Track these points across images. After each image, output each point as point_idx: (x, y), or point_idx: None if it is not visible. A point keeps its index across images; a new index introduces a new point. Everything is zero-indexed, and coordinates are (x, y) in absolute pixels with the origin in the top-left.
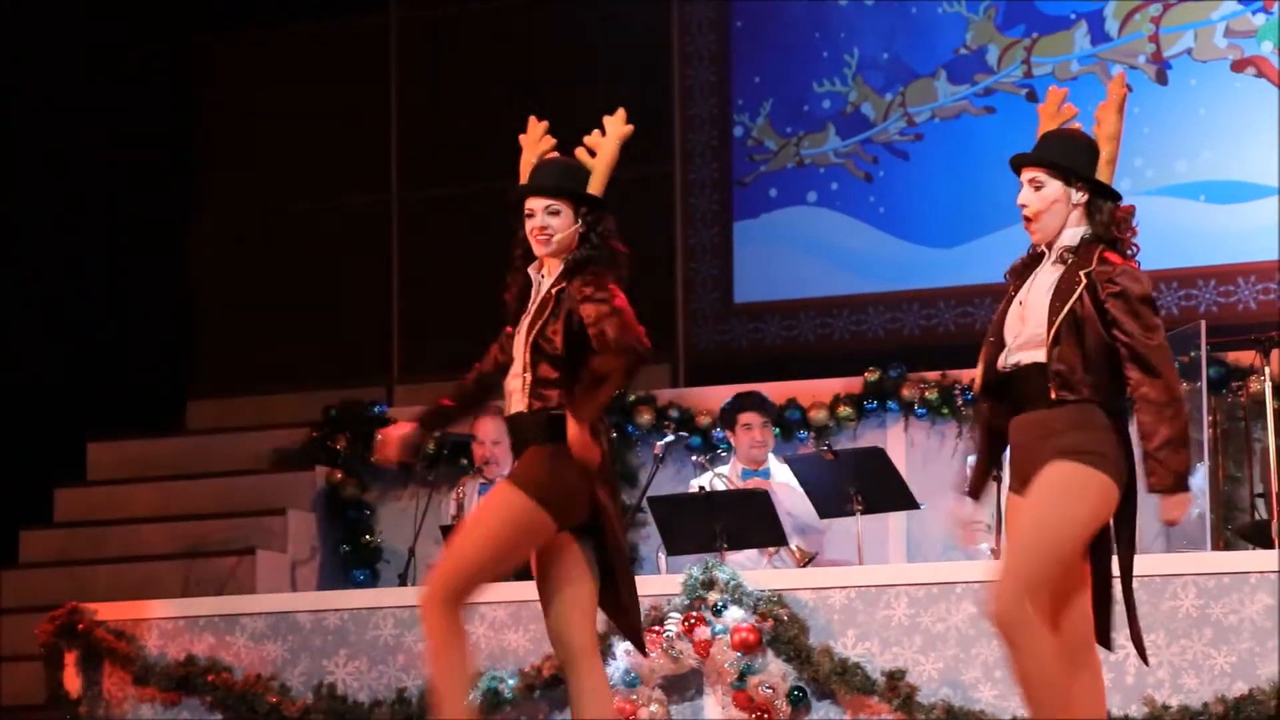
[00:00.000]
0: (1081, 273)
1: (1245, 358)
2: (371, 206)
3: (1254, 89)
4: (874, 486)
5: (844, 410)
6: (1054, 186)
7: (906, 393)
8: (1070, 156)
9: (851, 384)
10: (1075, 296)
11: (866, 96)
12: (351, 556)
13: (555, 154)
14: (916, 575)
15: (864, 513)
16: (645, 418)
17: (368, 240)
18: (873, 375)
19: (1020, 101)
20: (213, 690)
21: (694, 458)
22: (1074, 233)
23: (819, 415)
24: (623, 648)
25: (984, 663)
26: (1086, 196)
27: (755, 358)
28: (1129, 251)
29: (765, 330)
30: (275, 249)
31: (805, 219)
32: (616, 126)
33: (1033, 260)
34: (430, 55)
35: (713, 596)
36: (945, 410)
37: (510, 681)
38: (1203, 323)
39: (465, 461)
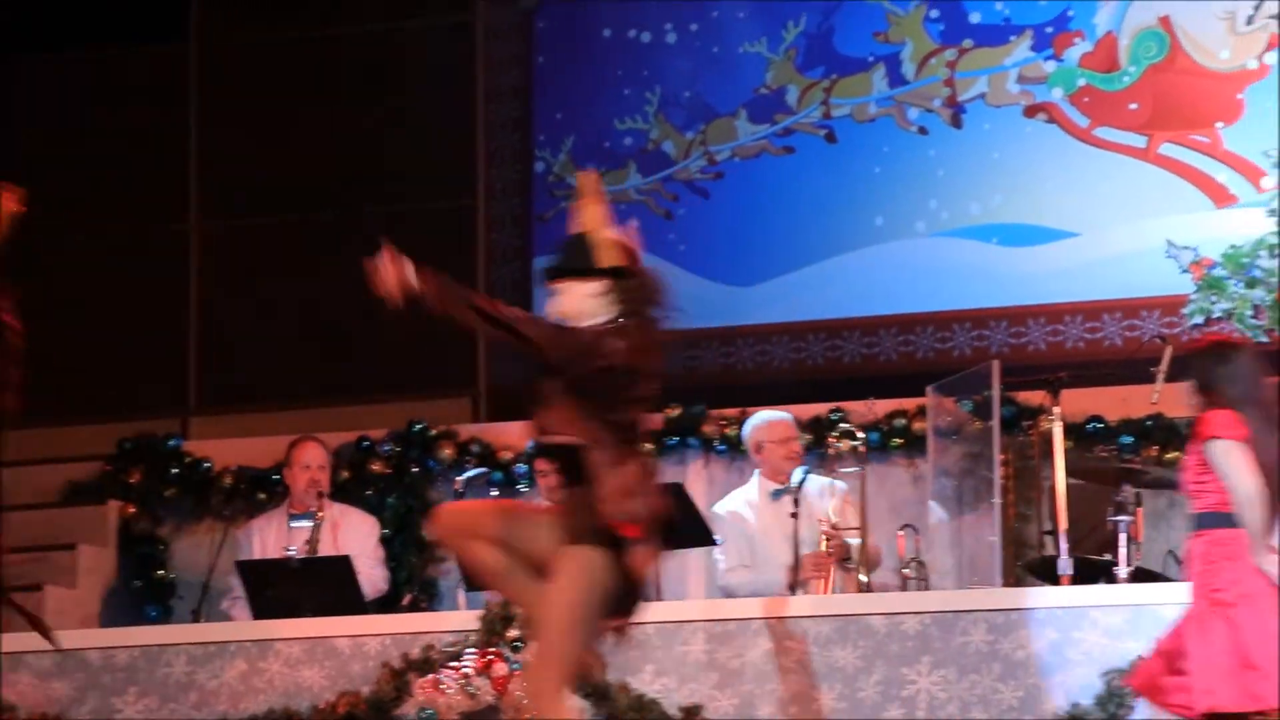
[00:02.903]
0: None
1: (1036, 398)
2: (170, 235)
3: (1046, 134)
4: (674, 522)
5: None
6: (576, 288)
7: (707, 429)
8: (577, 259)
9: (652, 420)
10: None
11: (668, 134)
12: (144, 592)
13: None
14: (714, 611)
15: (664, 549)
16: (446, 452)
17: (166, 269)
18: (674, 411)
19: (820, 142)
20: None
21: (494, 493)
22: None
23: None
24: (417, 683)
25: (779, 699)
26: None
27: None
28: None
29: None
30: (70, 276)
31: None
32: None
33: None
34: (232, 83)
35: (511, 632)
36: (744, 448)
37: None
38: (996, 363)
39: (263, 496)
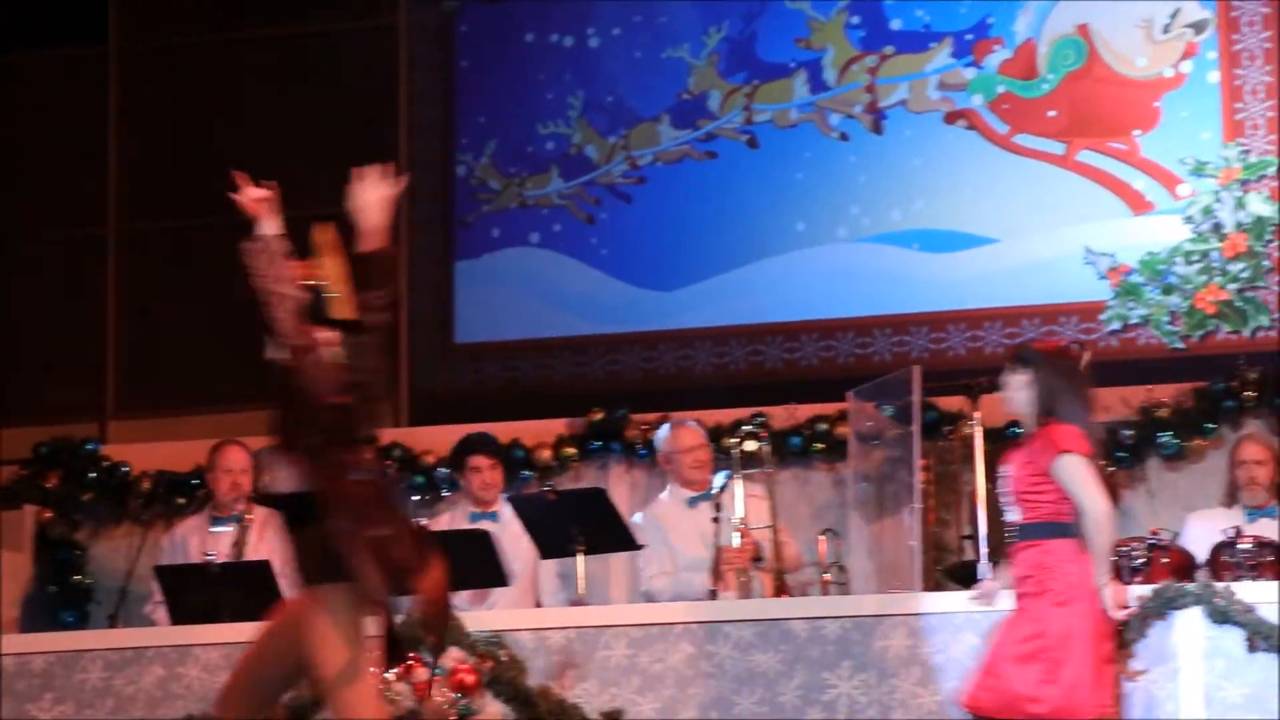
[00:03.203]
0: None
1: (956, 403)
2: (88, 238)
3: (966, 141)
4: (596, 527)
5: (567, 451)
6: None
7: (629, 434)
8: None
9: (575, 425)
10: None
11: (590, 139)
12: (60, 597)
13: None
14: (636, 616)
15: (586, 553)
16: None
17: (85, 272)
18: (596, 416)
19: (741, 147)
20: None
21: (415, 497)
22: None
23: (542, 455)
24: None
25: (700, 703)
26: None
27: (477, 398)
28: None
29: (486, 370)
30: None
31: (527, 260)
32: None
33: None
34: (151, 86)
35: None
36: None
37: None
38: (916, 368)
39: (182, 500)
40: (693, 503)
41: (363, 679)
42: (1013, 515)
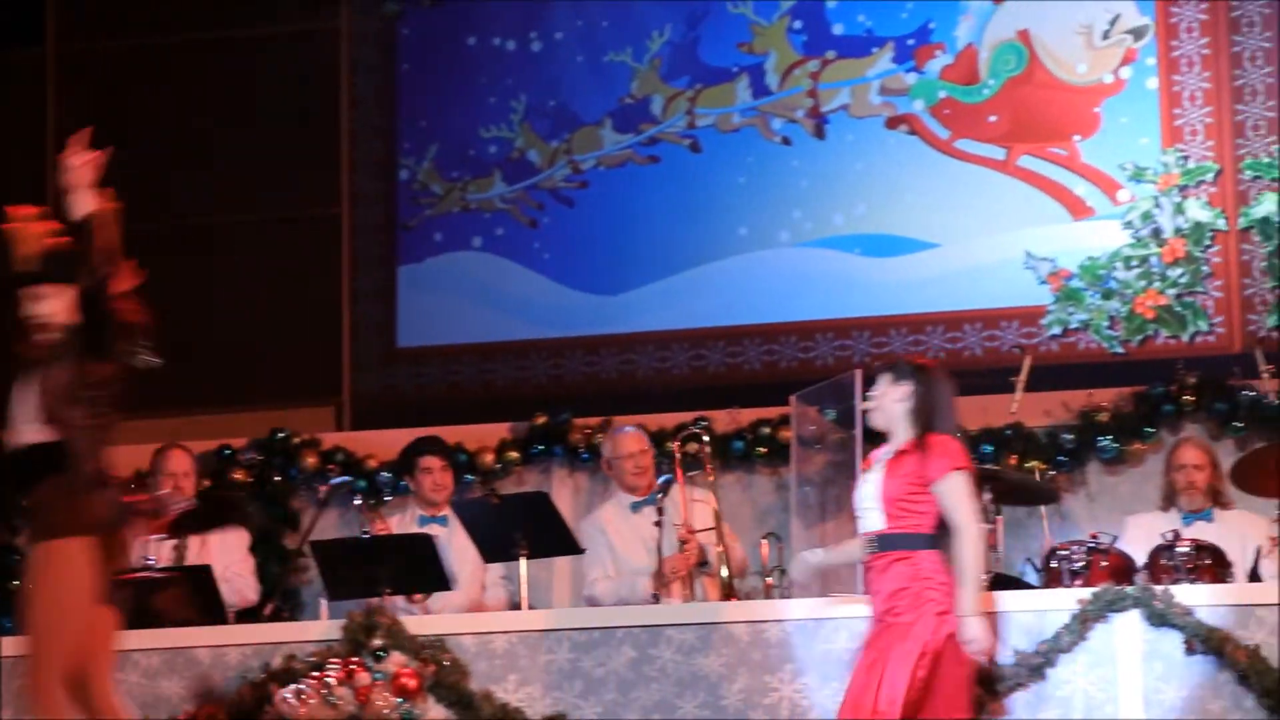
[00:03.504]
0: None
1: None
2: None
3: (907, 146)
4: (538, 531)
5: (509, 455)
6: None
7: (572, 438)
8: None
9: (518, 429)
10: None
11: (533, 143)
12: None
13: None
14: (579, 620)
15: (528, 557)
16: (309, 461)
17: None
18: (539, 420)
19: (684, 151)
20: None
21: (357, 501)
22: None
23: (485, 459)
24: (280, 694)
25: (642, 706)
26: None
27: (419, 402)
28: None
29: (428, 375)
30: None
31: (470, 264)
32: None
33: None
34: (91, 90)
35: (374, 642)
36: None
37: None
38: (858, 372)
39: None
40: (635, 508)
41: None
42: (872, 524)
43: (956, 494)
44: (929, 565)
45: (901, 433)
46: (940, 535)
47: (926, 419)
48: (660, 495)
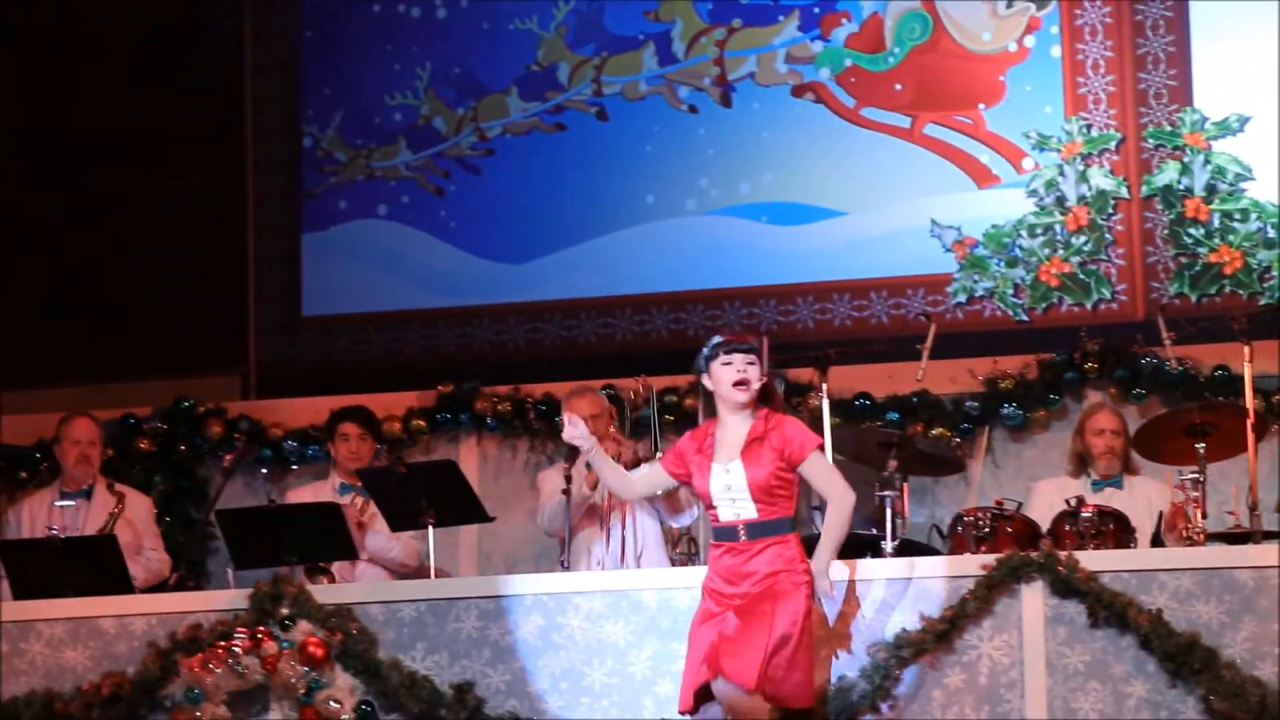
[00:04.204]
0: None
1: (804, 374)
2: None
3: (813, 114)
4: (446, 499)
5: (417, 423)
6: None
7: (479, 406)
8: None
9: (425, 397)
10: None
11: (438, 110)
12: None
13: None
14: (486, 588)
15: (436, 525)
16: (214, 430)
17: None
18: (446, 389)
19: (590, 119)
20: None
21: (264, 470)
22: None
23: (392, 428)
24: (184, 663)
25: (550, 674)
26: None
27: (326, 371)
28: None
29: (334, 344)
30: None
31: (376, 232)
32: None
33: None
34: None
35: (282, 610)
36: (517, 424)
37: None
38: (764, 340)
39: (24, 474)
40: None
41: None
42: (742, 514)
43: (824, 469)
44: (794, 546)
45: (746, 413)
46: (797, 517)
47: (775, 396)
48: (566, 465)
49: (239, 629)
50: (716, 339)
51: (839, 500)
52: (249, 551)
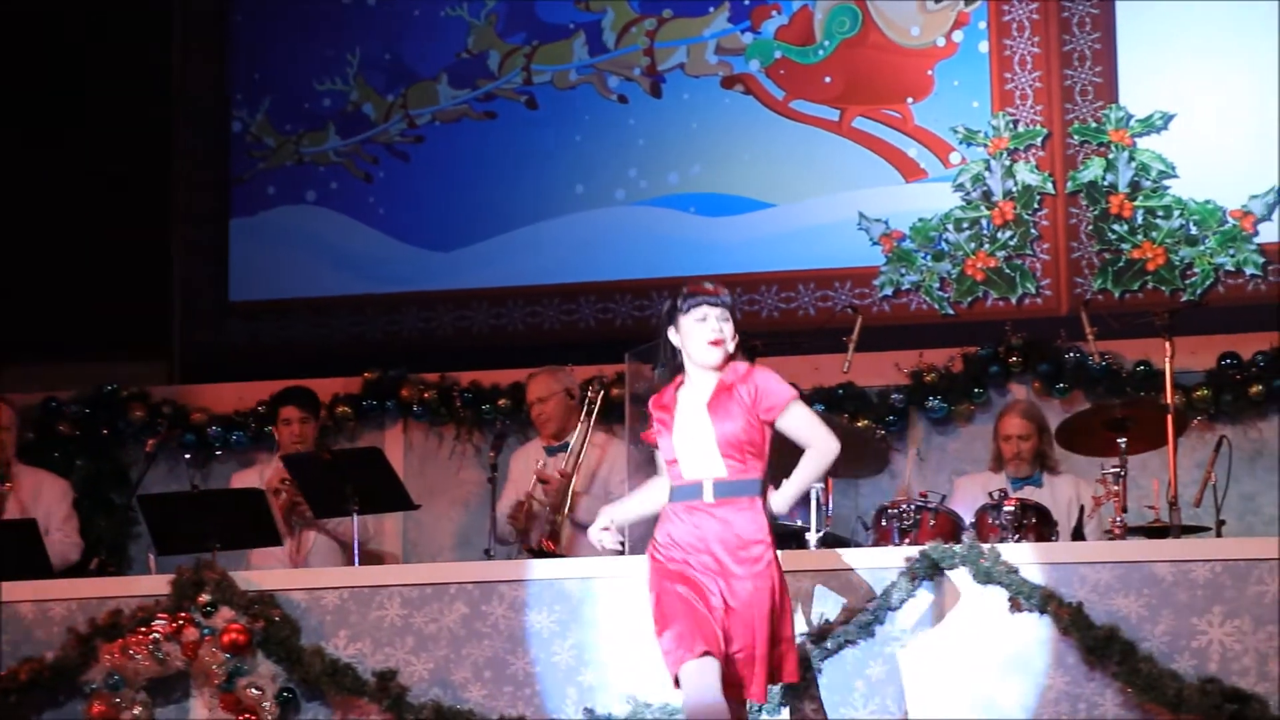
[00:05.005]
0: None
1: None
2: None
3: (743, 105)
4: (371, 486)
5: (342, 410)
6: None
7: (406, 393)
8: None
9: (350, 384)
10: None
11: (368, 97)
12: None
13: None
14: (410, 576)
15: (360, 513)
16: (138, 414)
17: None
18: (372, 375)
19: (520, 108)
20: None
21: (187, 455)
22: None
23: None
24: (104, 649)
25: (474, 663)
26: None
27: (253, 356)
28: None
29: (261, 329)
30: None
31: (304, 218)
32: None
33: None
34: None
35: (203, 597)
36: (444, 412)
37: None
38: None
39: None
40: (550, 452)
41: None
42: (708, 471)
43: (805, 418)
44: (765, 513)
45: (716, 370)
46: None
47: (739, 349)
48: (492, 453)
49: (160, 615)
50: (688, 290)
51: (822, 449)
52: (171, 537)
